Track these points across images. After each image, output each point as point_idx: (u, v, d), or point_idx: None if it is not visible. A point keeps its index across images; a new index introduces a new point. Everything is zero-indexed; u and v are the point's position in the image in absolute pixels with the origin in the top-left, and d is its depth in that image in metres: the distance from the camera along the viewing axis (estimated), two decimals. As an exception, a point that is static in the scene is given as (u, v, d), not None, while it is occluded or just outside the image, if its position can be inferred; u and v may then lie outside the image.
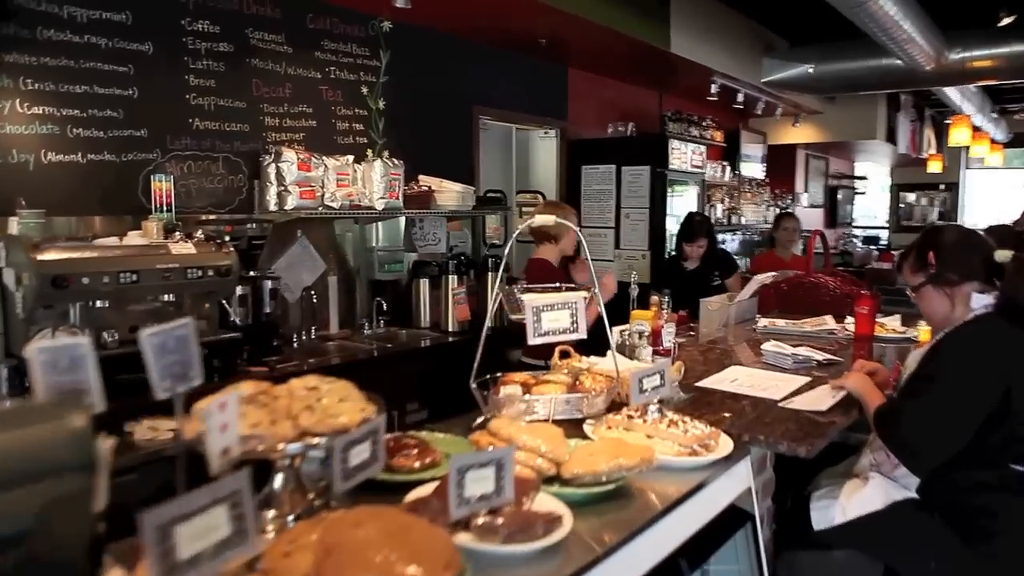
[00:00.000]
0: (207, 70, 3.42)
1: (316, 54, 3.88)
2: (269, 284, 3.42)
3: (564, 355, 2.01)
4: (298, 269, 3.83)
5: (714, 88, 5.93)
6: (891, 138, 7.99)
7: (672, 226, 5.34)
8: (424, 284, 4.10)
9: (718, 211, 6.92)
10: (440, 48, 4.52)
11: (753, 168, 7.98)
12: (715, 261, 4.50)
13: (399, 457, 1.46)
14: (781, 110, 7.15)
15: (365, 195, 3.70)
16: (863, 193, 11.19)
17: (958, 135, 8.45)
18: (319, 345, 3.64)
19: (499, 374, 1.81)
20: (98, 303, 2.64)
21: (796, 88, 6.37)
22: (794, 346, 2.54)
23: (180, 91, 3.34)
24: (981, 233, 2.01)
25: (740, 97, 6.33)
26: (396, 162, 3.83)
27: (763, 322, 3.06)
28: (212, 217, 3.42)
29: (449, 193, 4.07)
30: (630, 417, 1.60)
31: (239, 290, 3.22)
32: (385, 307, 4.04)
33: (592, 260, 5.61)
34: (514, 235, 2.40)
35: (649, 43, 4.82)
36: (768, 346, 2.43)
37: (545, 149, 5.60)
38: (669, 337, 2.28)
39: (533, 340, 1.65)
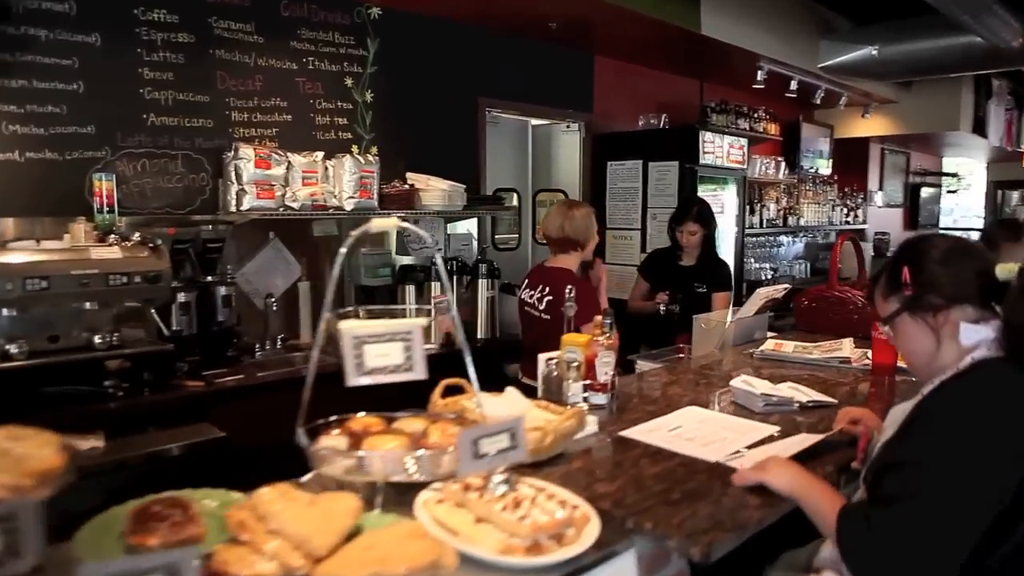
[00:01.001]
0: (164, 62, 3.20)
1: (292, 44, 3.61)
2: (223, 290, 3.17)
3: (450, 391, 1.62)
4: (270, 273, 3.58)
5: (760, 75, 5.32)
6: (979, 129, 7.07)
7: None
8: (410, 291, 3.78)
9: (770, 211, 6.28)
10: (439, 35, 4.18)
11: (817, 164, 7.25)
12: (709, 265, 3.82)
13: (140, 534, 1.11)
14: (846, 99, 6.42)
15: (333, 194, 3.40)
16: (955, 191, 10.10)
17: None
18: (284, 356, 3.36)
19: (333, 417, 1.44)
20: (4, 311, 2.46)
21: (859, 74, 5.67)
22: (782, 380, 2.04)
23: (133, 85, 3.13)
24: (975, 243, 1.49)
25: (793, 85, 5.68)
26: (371, 158, 3.52)
27: (767, 345, 2.55)
28: (166, 218, 3.20)
29: (434, 192, 3.72)
30: (466, 489, 1.20)
31: (182, 297, 2.99)
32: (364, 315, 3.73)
33: (618, 264, 5.17)
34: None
35: (676, 25, 4.32)
36: (737, 381, 1.94)
37: (568, 144, 5.17)
38: (606, 369, 1.84)
39: (354, 381, 1.28)
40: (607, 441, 1.64)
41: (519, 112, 4.79)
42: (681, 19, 4.36)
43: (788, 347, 2.54)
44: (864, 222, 7.76)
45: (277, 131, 3.58)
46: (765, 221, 6.20)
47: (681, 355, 2.75)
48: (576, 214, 3.05)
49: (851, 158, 7.94)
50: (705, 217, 3.77)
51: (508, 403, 1.57)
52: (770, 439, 1.65)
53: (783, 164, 6.43)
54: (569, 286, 2.35)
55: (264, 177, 3.21)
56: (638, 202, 4.87)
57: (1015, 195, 10.19)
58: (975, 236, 10.24)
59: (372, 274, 3.88)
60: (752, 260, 6.14)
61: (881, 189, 8.23)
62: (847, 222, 7.49)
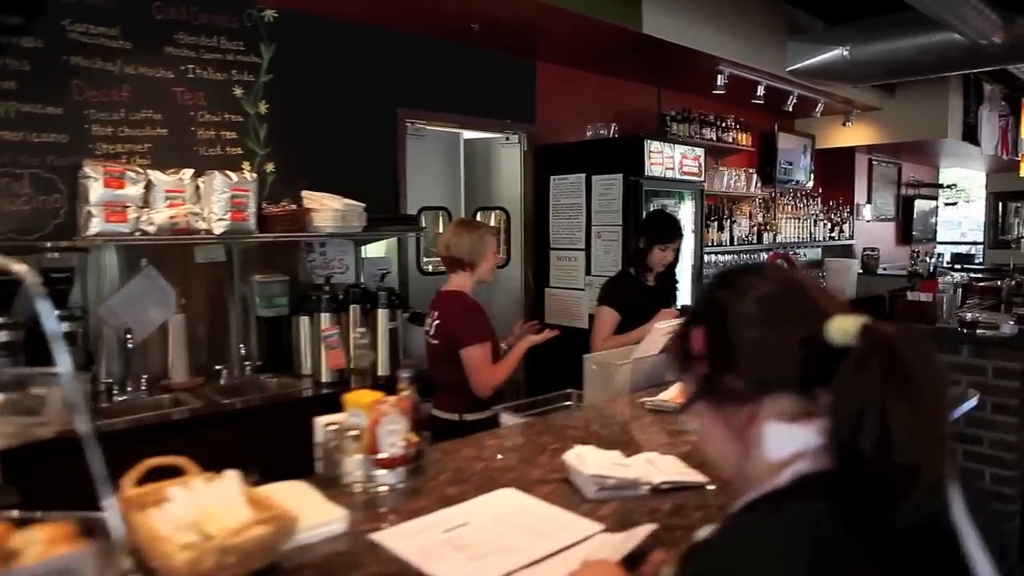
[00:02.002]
0: (4, 69, 2.85)
1: (167, 49, 3.25)
2: (67, 326, 2.78)
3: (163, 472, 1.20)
4: (142, 305, 3.19)
5: (720, 80, 4.91)
6: (971, 137, 6.59)
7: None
8: (304, 322, 3.37)
9: (742, 228, 5.82)
10: (347, 40, 3.82)
11: (797, 176, 6.79)
12: (670, 283, 3.41)
13: None
14: (822, 106, 5.97)
15: (201, 216, 3.01)
16: (953, 204, 9.58)
17: None
18: (142, 400, 2.96)
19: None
20: None
21: (832, 77, 5.24)
22: (668, 443, 1.59)
23: (-37, 95, 2.78)
24: (807, 284, 0.91)
25: (760, 90, 5.25)
26: (247, 176, 3.13)
27: (666, 392, 2.10)
28: (7, 245, 2.82)
29: (326, 212, 3.32)
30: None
31: (3, 335, 2.60)
32: (250, 350, 3.35)
33: (562, 288, 4.74)
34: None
35: (614, 23, 3.93)
36: (571, 455, 1.49)
37: (509, 158, 4.78)
38: (393, 439, 1.42)
39: None
40: (344, 548, 1.21)
41: (449, 124, 4.41)
42: (620, 17, 3.96)
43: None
44: (851, 237, 7.28)
45: (149, 147, 3.21)
46: (736, 238, 5.75)
47: (569, 403, 2.33)
48: (464, 234, 2.77)
49: (836, 170, 7.49)
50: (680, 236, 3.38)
51: (214, 494, 1.15)
52: (579, 545, 1.21)
53: (755, 176, 5.99)
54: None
55: (115, 198, 2.83)
56: (582, 219, 4.45)
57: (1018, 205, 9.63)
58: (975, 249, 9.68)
59: (266, 304, 3.49)
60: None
61: (870, 202, 7.75)
62: (831, 237, 7.02)
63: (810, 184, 6.98)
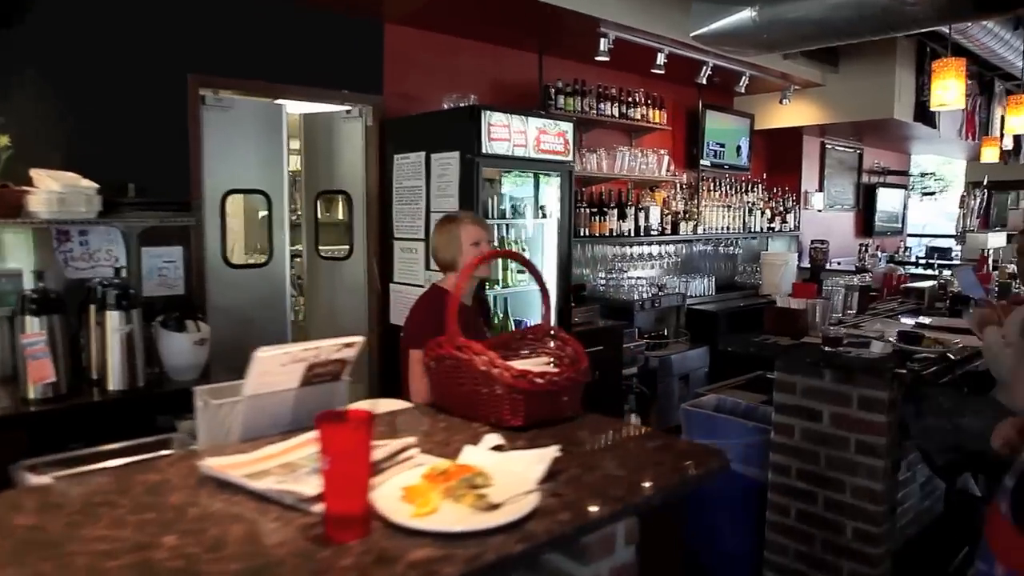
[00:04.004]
0: None
1: None
2: None
3: None
4: None
5: (604, 44, 4.23)
6: (924, 117, 5.83)
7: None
8: (32, 324, 2.78)
9: (650, 217, 5.15)
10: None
11: (730, 159, 6.09)
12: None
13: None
14: (747, 80, 5.26)
15: None
16: (931, 194, 8.79)
17: (1017, 121, 6.16)
18: None
19: None
20: None
21: (742, 43, 4.53)
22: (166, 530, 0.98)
23: None
24: None
25: (660, 59, 4.57)
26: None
27: (226, 458, 1.44)
28: None
29: (39, 195, 2.72)
30: None
31: None
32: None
33: (405, 285, 4.12)
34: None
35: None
36: None
37: (352, 134, 4.15)
38: None
39: None
40: None
41: (262, 94, 3.78)
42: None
43: (261, 455, 1.45)
44: (797, 228, 6.56)
45: None
46: (643, 228, 5.08)
47: (170, 451, 1.72)
48: (438, 234, 2.54)
49: (783, 154, 6.78)
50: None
51: None
52: None
53: (667, 159, 5.30)
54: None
55: None
56: (422, 205, 3.82)
57: (1007, 196, 8.82)
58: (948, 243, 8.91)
59: (-10, 303, 2.90)
60: (608, 276, 5.01)
61: (822, 190, 7.01)
62: (771, 228, 6.31)
63: (748, 169, 6.27)
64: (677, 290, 5.31)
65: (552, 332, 1.96)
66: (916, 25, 3.90)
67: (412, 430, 1.65)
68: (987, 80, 6.63)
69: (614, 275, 4.99)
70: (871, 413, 2.64)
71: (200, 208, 3.43)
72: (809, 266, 6.70)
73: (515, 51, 4.65)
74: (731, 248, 6.29)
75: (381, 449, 1.38)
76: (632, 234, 5.02)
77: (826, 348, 2.72)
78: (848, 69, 5.71)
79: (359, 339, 1.76)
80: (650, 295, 5.00)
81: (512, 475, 1.26)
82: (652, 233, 5.15)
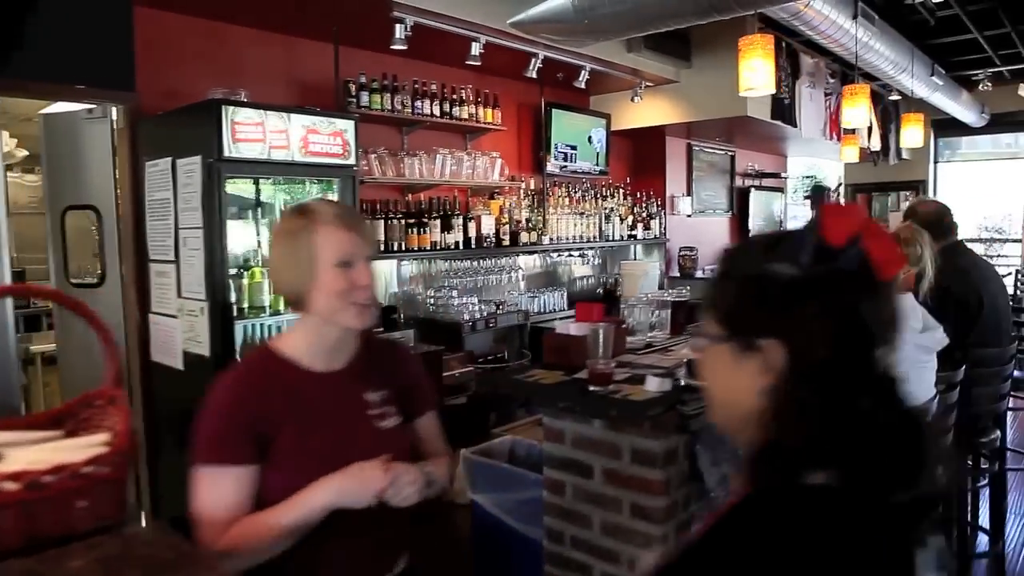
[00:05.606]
0: None
1: None
2: None
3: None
4: None
5: (401, 31, 3.69)
6: (783, 115, 5.54)
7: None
8: None
9: (483, 227, 4.64)
10: None
11: (583, 163, 5.66)
12: None
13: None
14: (586, 75, 4.82)
15: None
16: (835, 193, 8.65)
17: (911, 137, 6.04)
18: None
19: None
20: None
21: (564, 32, 4.08)
22: None
23: None
24: None
25: (475, 49, 4.07)
26: None
27: None
28: None
29: None
30: None
31: None
32: None
33: (162, 316, 3.46)
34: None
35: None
36: None
37: (100, 138, 3.47)
38: None
39: None
40: None
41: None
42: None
43: None
44: (663, 235, 6.19)
45: None
46: (472, 240, 4.56)
47: None
48: (276, 245, 1.47)
49: (646, 157, 6.41)
50: None
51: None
52: None
53: (499, 162, 4.81)
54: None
55: None
56: (171, 220, 3.19)
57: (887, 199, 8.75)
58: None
59: None
60: (436, 294, 4.49)
61: (690, 194, 6.68)
62: (633, 236, 5.90)
63: (607, 172, 5.86)
64: (520, 307, 4.81)
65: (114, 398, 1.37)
66: (740, 7, 3.51)
67: None
68: (850, 80, 6.44)
69: (442, 293, 4.46)
70: (643, 467, 2.15)
71: None
72: (679, 275, 6.36)
73: (310, 41, 4.06)
74: (593, 259, 5.86)
75: None
76: (461, 246, 4.49)
77: (591, 388, 2.22)
78: (701, 64, 5.36)
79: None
80: (484, 314, 4.49)
81: None
82: (485, 245, 4.63)
